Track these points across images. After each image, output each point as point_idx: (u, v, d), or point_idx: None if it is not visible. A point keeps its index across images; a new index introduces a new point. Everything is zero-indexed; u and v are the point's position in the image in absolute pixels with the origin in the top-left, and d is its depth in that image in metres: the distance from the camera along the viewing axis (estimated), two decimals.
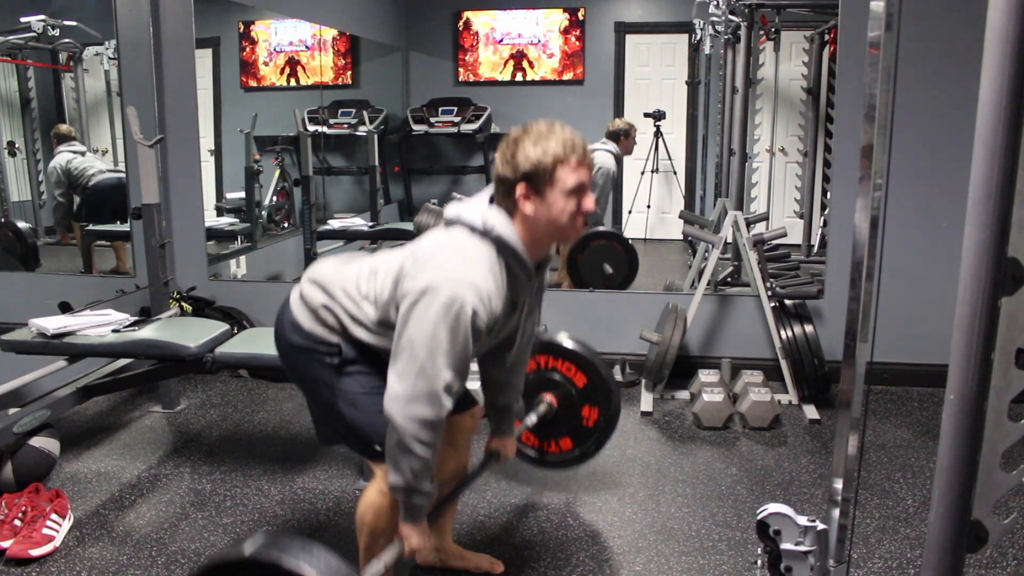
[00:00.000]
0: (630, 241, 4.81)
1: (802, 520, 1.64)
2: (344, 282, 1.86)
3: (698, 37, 5.38)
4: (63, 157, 4.18)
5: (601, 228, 4.82)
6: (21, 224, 4.13)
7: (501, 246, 1.72)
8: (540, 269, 1.84)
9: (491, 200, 1.78)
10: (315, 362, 1.86)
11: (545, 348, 2.51)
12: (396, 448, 1.69)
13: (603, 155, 4.80)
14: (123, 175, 4.10)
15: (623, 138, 4.91)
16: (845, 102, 3.80)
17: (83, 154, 4.23)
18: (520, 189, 1.70)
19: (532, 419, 2.43)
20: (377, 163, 5.81)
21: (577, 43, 6.02)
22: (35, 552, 2.33)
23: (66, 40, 4.12)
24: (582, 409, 2.52)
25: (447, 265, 1.68)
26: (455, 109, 5.94)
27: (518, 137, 1.71)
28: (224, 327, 3.04)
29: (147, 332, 2.95)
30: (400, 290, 1.72)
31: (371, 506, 1.90)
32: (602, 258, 4.48)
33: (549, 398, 2.51)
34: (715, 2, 4.73)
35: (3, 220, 4.11)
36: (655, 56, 6.00)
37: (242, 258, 4.85)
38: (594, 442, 2.53)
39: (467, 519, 2.59)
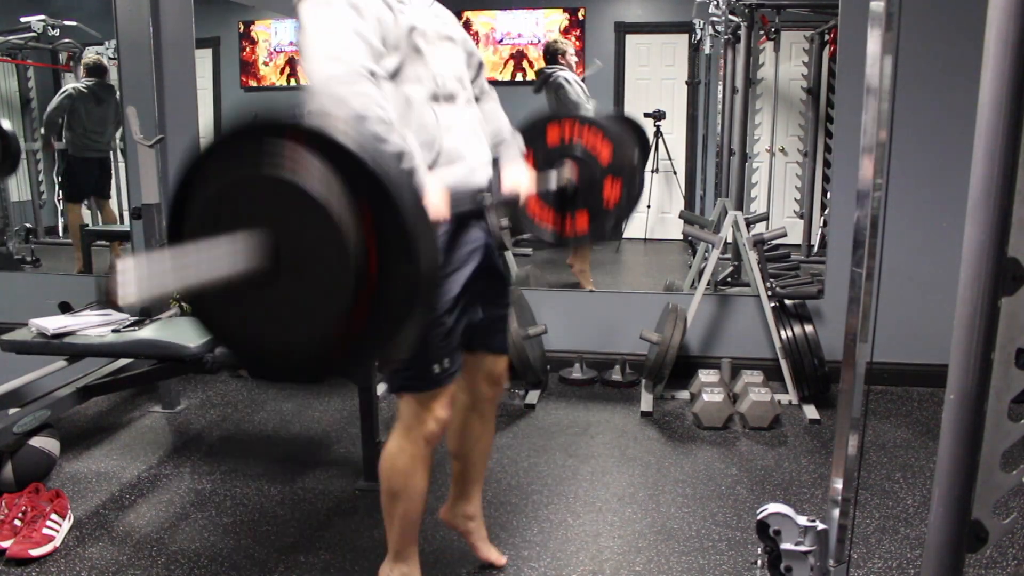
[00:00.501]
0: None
1: (802, 520, 1.64)
2: None
3: (698, 37, 5.38)
4: (76, 87, 4.07)
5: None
6: (4, 123, 3.99)
7: None
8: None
9: None
10: None
11: (555, 118, 2.26)
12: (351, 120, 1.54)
13: (563, 71, 4.71)
14: (107, 150, 4.06)
15: (561, 57, 4.82)
16: (845, 102, 3.80)
17: (98, 99, 4.15)
18: None
19: (552, 181, 2.14)
20: None
21: (577, 43, 6.01)
22: (35, 552, 2.33)
23: (66, 40, 4.12)
24: (603, 182, 2.20)
25: None
26: None
27: None
28: None
29: (147, 332, 2.95)
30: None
31: (388, 458, 1.90)
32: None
33: (568, 169, 2.20)
34: (715, 2, 4.73)
35: None
36: (655, 56, 6.00)
37: None
38: (612, 223, 2.24)
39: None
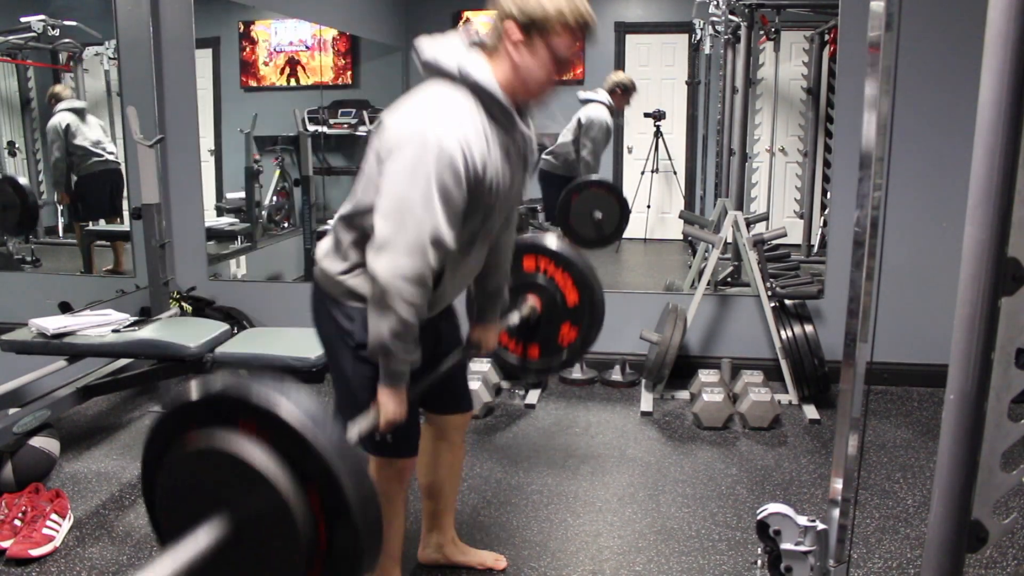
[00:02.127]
0: (623, 194, 4.72)
1: (802, 520, 1.64)
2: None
3: (698, 37, 5.38)
4: (62, 119, 4.06)
5: (594, 177, 4.72)
6: (22, 180, 4.01)
7: (478, 91, 1.66)
8: (522, 116, 1.75)
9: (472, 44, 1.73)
10: (333, 331, 1.82)
11: (535, 248, 2.33)
12: (377, 305, 1.61)
13: (596, 108, 4.67)
14: (118, 163, 4.07)
15: (619, 92, 4.75)
16: (845, 102, 3.80)
17: (82, 115, 4.14)
18: (516, 33, 1.66)
19: (515, 319, 2.23)
20: None
21: (577, 43, 6.01)
22: (35, 552, 2.33)
23: (66, 40, 4.12)
24: (562, 324, 2.32)
25: (422, 113, 1.62)
26: None
27: None
28: (224, 327, 3.04)
29: (147, 332, 2.95)
30: (379, 159, 1.65)
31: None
32: (593, 206, 4.40)
33: (533, 300, 2.30)
34: (715, 2, 4.72)
35: (1, 176, 3.99)
36: (655, 56, 5.99)
37: (242, 258, 4.85)
38: (566, 357, 2.36)
39: (467, 519, 2.59)
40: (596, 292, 2.30)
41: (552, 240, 2.33)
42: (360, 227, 1.72)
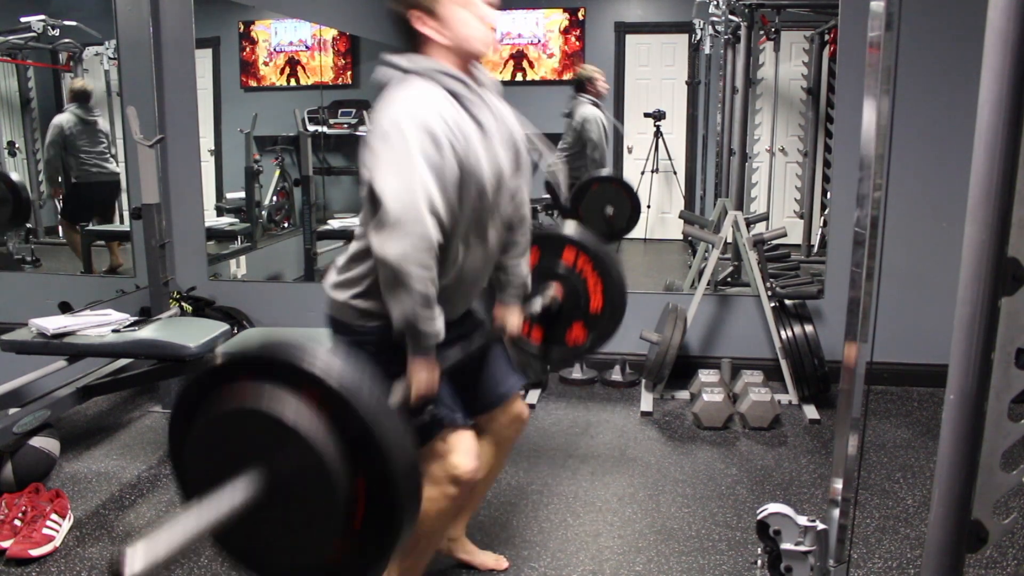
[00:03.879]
0: (635, 190, 4.72)
1: (802, 520, 1.64)
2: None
3: (698, 37, 5.38)
4: (66, 119, 4.09)
5: (604, 172, 4.72)
6: (14, 176, 4.02)
7: (430, 74, 1.70)
8: (481, 85, 1.78)
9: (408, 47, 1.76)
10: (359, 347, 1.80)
11: (582, 246, 2.31)
12: (391, 285, 1.64)
13: (585, 107, 4.66)
14: (115, 172, 4.07)
15: (588, 84, 4.71)
16: (845, 102, 3.80)
17: (86, 123, 4.15)
18: (414, 18, 1.71)
19: (537, 306, 2.21)
20: None
21: (577, 43, 6.01)
22: (35, 552, 2.33)
23: (66, 40, 4.12)
24: (575, 323, 2.32)
25: (391, 107, 1.67)
26: None
27: None
28: (224, 327, 3.04)
29: (147, 332, 2.95)
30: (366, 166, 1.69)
31: None
32: (604, 201, 4.42)
33: (556, 291, 2.29)
34: (715, 2, 4.72)
35: None
36: (655, 56, 5.99)
37: (242, 258, 4.84)
38: (596, 336, 2.33)
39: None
40: (618, 310, 2.31)
41: (601, 245, 2.32)
42: (362, 238, 1.76)
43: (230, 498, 1.20)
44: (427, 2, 1.70)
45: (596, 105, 4.65)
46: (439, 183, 1.62)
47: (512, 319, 2.07)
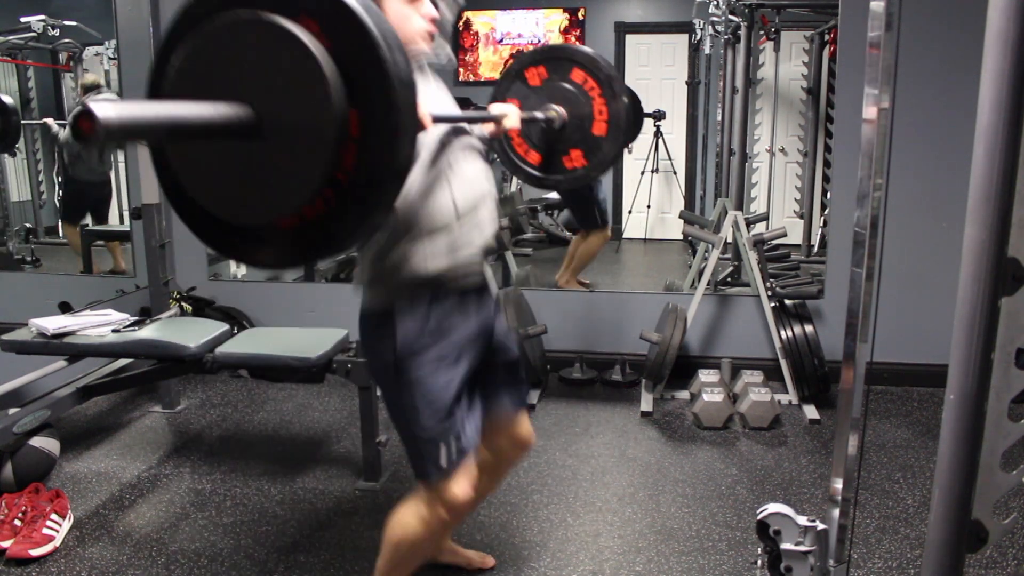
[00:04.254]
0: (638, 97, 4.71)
1: (802, 520, 1.64)
2: None
3: (698, 37, 5.38)
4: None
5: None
6: (6, 98, 4.00)
7: None
8: (420, 69, 1.73)
9: None
10: (377, 358, 1.75)
11: (593, 66, 2.16)
12: None
13: None
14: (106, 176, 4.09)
15: None
16: (845, 102, 3.80)
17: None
18: None
19: (538, 115, 2.11)
20: None
21: (577, 43, 6.02)
22: (35, 552, 2.33)
23: (66, 40, 4.12)
24: (574, 149, 2.18)
25: None
26: None
27: None
28: (224, 327, 3.04)
29: (147, 332, 2.95)
30: None
31: (403, 528, 1.80)
32: None
33: (561, 109, 2.16)
34: (715, 2, 4.72)
35: None
36: (655, 56, 6.00)
37: None
38: (596, 162, 2.20)
39: (467, 519, 2.59)
40: (621, 136, 2.16)
41: (611, 67, 2.18)
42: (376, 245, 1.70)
43: (212, 108, 1.06)
44: None
45: None
46: None
47: (508, 108, 1.94)
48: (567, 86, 2.18)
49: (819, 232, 5.16)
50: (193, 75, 1.15)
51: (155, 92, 1.21)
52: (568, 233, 5.24)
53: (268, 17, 1.09)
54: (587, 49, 2.21)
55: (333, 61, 1.09)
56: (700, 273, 3.99)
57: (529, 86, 2.19)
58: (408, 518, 1.80)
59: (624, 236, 6.08)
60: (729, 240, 4.11)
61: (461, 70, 6.14)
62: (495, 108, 1.95)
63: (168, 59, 1.18)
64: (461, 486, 1.76)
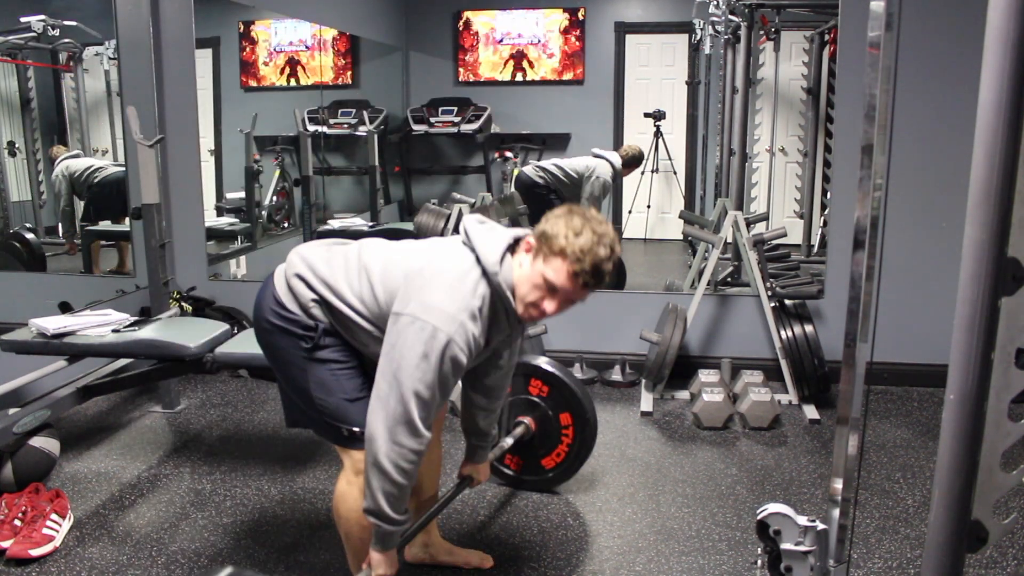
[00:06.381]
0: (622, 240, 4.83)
1: (802, 520, 1.64)
2: (332, 266, 1.86)
3: (698, 37, 5.38)
4: (62, 165, 4.19)
5: None
6: (29, 236, 4.12)
7: (499, 293, 1.74)
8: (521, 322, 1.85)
9: (513, 243, 1.78)
10: (290, 343, 1.86)
11: (528, 372, 2.66)
12: (373, 468, 1.69)
13: (603, 165, 4.84)
14: (123, 169, 4.10)
15: (631, 163, 5.06)
16: (845, 102, 3.80)
17: (78, 157, 4.24)
18: (532, 241, 1.73)
19: (508, 441, 2.54)
20: (377, 163, 5.81)
21: (577, 43, 6.02)
22: (35, 552, 2.33)
23: (66, 40, 4.12)
24: (560, 433, 2.67)
25: (442, 296, 1.68)
26: (455, 109, 5.94)
27: (588, 217, 1.70)
28: (224, 327, 3.04)
29: (147, 332, 2.95)
30: (393, 304, 1.73)
31: (341, 498, 1.90)
32: None
33: (527, 421, 2.64)
34: (715, 2, 4.73)
35: (11, 231, 4.11)
36: (655, 56, 6.00)
37: (242, 258, 4.84)
38: (571, 464, 2.70)
39: (467, 519, 2.59)
40: (588, 442, 2.68)
41: (568, 373, 2.70)
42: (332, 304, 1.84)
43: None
44: (542, 236, 1.70)
45: (614, 173, 4.91)
46: (436, 395, 1.69)
47: (481, 472, 2.26)
48: (529, 398, 2.69)
49: (819, 232, 5.16)
50: None
51: None
52: None
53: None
54: (539, 362, 2.71)
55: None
56: (700, 273, 3.99)
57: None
58: (341, 488, 1.91)
59: (624, 236, 6.08)
60: (729, 240, 4.11)
61: (461, 70, 6.14)
62: (465, 469, 2.27)
63: None
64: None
